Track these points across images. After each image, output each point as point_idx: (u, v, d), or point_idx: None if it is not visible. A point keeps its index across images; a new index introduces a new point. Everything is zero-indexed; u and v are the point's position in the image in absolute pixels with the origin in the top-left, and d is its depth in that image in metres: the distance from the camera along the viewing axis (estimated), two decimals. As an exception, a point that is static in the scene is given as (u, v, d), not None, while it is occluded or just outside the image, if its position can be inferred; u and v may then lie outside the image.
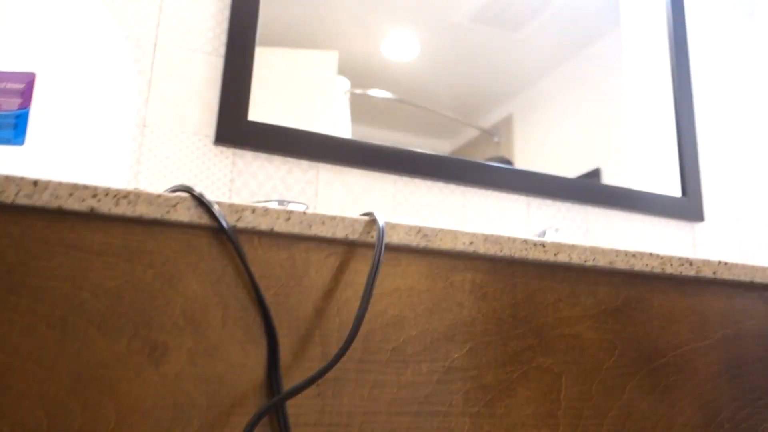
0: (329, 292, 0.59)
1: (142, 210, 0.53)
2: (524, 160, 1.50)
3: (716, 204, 1.70)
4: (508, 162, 1.49)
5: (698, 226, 1.65)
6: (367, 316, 0.60)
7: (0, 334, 0.48)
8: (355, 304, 0.60)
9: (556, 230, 1.27)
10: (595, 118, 1.60)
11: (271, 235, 0.58)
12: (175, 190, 0.56)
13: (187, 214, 0.55)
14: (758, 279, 0.78)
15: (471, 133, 1.46)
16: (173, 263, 0.54)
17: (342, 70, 1.37)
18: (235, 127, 1.23)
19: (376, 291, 0.61)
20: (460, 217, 1.38)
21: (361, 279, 0.61)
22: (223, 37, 1.29)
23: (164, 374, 0.52)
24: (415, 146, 1.39)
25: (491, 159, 1.47)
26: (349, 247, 0.61)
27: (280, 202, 0.92)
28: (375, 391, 0.59)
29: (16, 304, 0.49)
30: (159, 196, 0.54)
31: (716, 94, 1.80)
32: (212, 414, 0.53)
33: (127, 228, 0.53)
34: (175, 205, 0.54)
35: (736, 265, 0.77)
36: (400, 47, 1.42)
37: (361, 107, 1.36)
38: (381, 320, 0.60)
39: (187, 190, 0.55)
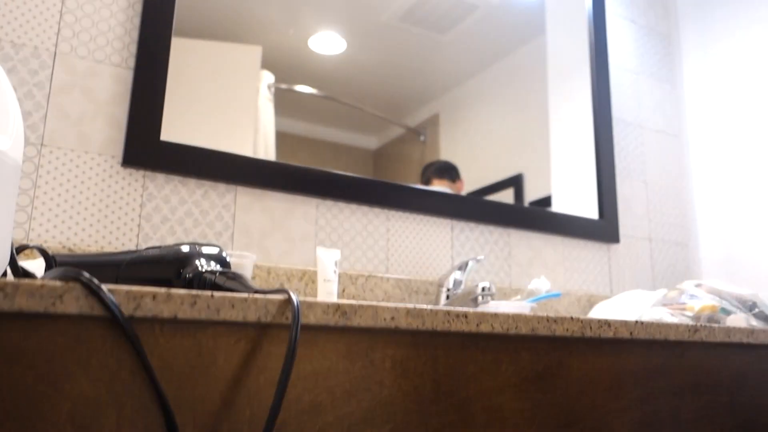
0: (239, 381, 0.55)
1: (21, 303, 0.47)
2: (450, 160, 1.50)
3: (630, 225, 1.76)
4: (452, 166, 1.49)
5: (614, 247, 1.70)
6: (281, 404, 0.56)
7: None
8: (268, 392, 0.56)
9: (478, 260, 1.27)
10: (519, 123, 1.62)
11: (175, 322, 0.53)
12: (61, 277, 0.50)
13: (75, 305, 0.49)
14: (672, 337, 0.80)
15: (397, 131, 1.44)
16: (59, 361, 0.48)
17: (267, 65, 1.31)
18: (146, 148, 1.15)
19: (290, 376, 0.57)
20: (384, 242, 1.36)
21: (275, 363, 0.56)
22: (133, 48, 1.19)
23: (46, 492, 0.46)
24: (341, 142, 1.35)
25: (433, 163, 1.46)
26: (261, 330, 0.56)
27: (191, 245, 0.86)
28: (288, 486, 0.55)
29: None
30: (42, 285, 0.48)
31: (634, 116, 1.86)
32: None
33: (2, 325, 0.47)
34: (61, 296, 0.48)
35: (651, 324, 0.78)
36: (328, 44, 1.38)
37: (286, 102, 1.31)
38: (296, 408, 0.57)
39: (76, 277, 0.49)
